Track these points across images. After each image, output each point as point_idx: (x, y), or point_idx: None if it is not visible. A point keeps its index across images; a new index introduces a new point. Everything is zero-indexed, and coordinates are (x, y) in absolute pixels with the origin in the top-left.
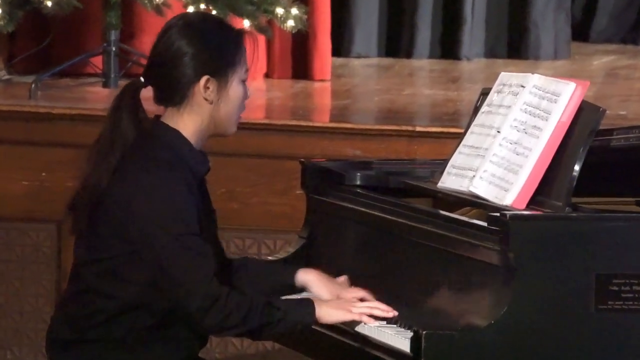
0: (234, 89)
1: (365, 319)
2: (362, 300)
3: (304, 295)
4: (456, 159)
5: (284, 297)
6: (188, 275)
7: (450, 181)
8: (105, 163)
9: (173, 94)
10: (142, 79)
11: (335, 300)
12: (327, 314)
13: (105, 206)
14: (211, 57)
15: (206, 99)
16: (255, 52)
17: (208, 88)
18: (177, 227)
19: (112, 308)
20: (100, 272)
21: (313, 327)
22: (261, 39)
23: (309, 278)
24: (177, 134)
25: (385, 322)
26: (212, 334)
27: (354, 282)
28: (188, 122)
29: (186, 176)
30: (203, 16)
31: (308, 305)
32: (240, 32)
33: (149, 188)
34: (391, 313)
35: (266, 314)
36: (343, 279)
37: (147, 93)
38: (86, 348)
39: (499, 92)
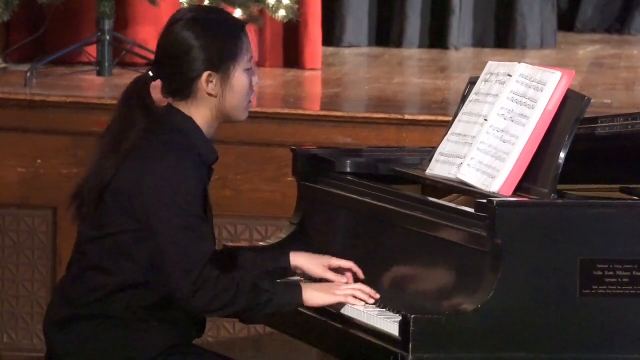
0: (238, 79)
1: (350, 300)
2: (349, 273)
3: (296, 278)
4: (444, 147)
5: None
6: (185, 257)
7: (438, 168)
8: (115, 154)
9: (179, 88)
10: (150, 73)
11: (321, 284)
12: (313, 296)
13: (115, 186)
14: (213, 53)
15: (210, 94)
16: (254, 45)
17: (211, 82)
18: (182, 207)
19: (113, 285)
20: (105, 248)
21: (302, 310)
22: (253, 28)
23: (299, 260)
24: (189, 120)
25: (374, 306)
26: (199, 314)
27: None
28: (196, 114)
29: (197, 161)
30: (206, 10)
31: (295, 288)
32: (241, 24)
33: (160, 167)
34: (372, 299)
35: (253, 296)
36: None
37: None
38: (82, 326)
39: (486, 81)
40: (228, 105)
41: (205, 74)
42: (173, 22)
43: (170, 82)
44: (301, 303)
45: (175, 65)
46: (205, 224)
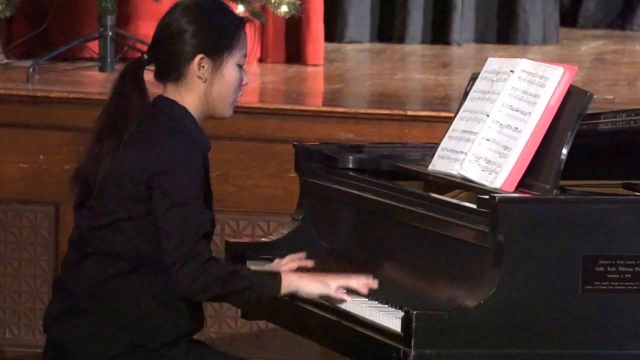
0: (229, 70)
1: (340, 295)
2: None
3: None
4: (447, 143)
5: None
6: (178, 232)
7: (440, 164)
8: (114, 139)
9: (171, 70)
10: (145, 55)
11: (313, 274)
12: (308, 285)
13: (118, 172)
14: (209, 37)
15: (199, 77)
16: (255, 41)
17: (203, 67)
18: (182, 190)
19: (116, 273)
20: (109, 236)
21: (302, 304)
22: (255, 24)
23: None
24: (183, 109)
25: (377, 302)
26: (183, 292)
27: (346, 264)
28: (185, 99)
29: (197, 147)
30: (209, 0)
31: (275, 277)
32: (242, 19)
33: (165, 153)
34: (365, 288)
35: (232, 282)
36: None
37: (147, 75)
38: (84, 317)
39: (486, 78)
40: (215, 93)
41: (198, 57)
42: (173, 7)
43: (162, 64)
44: (279, 292)
45: (169, 46)
46: (201, 205)
